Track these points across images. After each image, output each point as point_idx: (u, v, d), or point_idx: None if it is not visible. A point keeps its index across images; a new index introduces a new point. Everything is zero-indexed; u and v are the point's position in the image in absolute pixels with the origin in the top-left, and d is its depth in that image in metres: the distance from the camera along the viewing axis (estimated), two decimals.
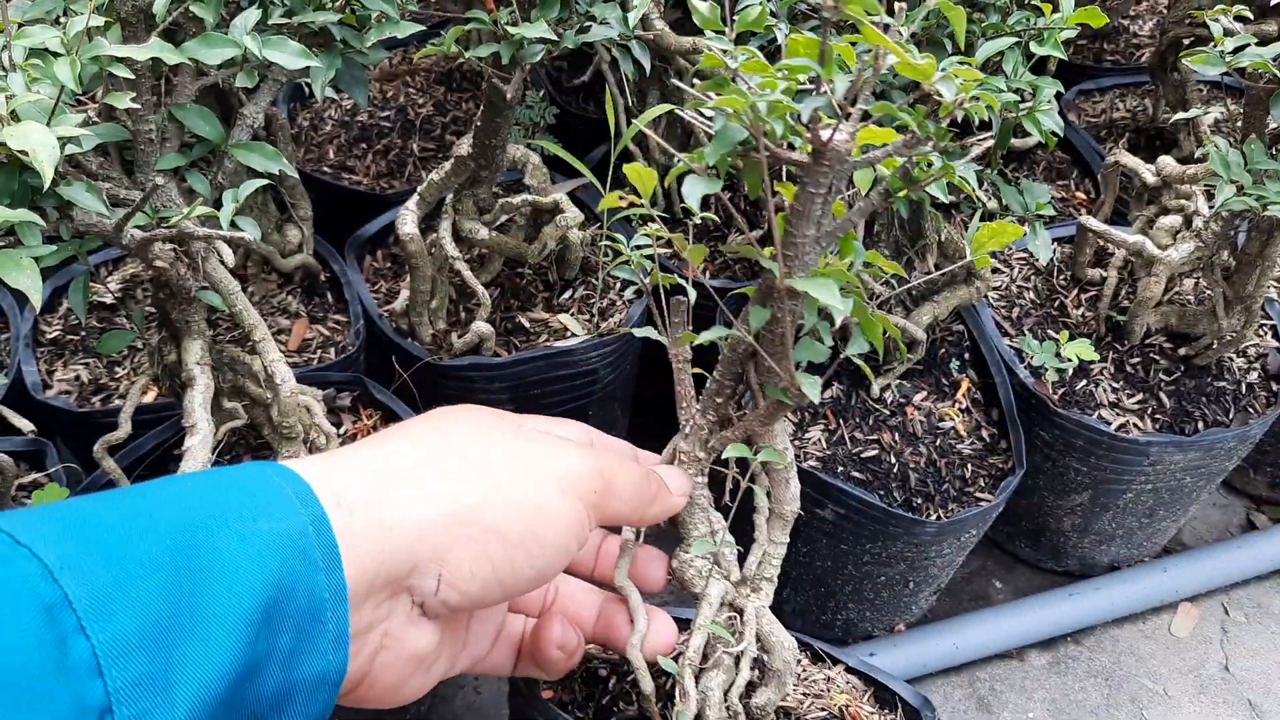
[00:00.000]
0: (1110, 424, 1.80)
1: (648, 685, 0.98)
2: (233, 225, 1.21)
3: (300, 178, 2.17)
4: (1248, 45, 1.39)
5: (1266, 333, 1.96)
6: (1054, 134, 1.50)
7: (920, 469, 1.79)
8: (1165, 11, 2.37)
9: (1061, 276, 2.00)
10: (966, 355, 1.93)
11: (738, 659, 1.00)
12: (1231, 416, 1.83)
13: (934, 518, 1.72)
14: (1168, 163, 1.80)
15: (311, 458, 0.65)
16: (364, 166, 2.24)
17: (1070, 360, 1.75)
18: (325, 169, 2.24)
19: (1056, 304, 1.96)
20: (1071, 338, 1.91)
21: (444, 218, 1.85)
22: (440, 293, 1.86)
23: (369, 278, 2.04)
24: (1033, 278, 2.01)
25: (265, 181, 1.26)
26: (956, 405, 1.88)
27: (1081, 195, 2.30)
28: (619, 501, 0.78)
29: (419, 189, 1.80)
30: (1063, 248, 2.05)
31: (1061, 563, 2.10)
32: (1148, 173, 1.81)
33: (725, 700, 0.99)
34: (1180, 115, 1.74)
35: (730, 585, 1.02)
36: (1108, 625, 2.05)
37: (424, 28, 1.34)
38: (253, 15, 1.18)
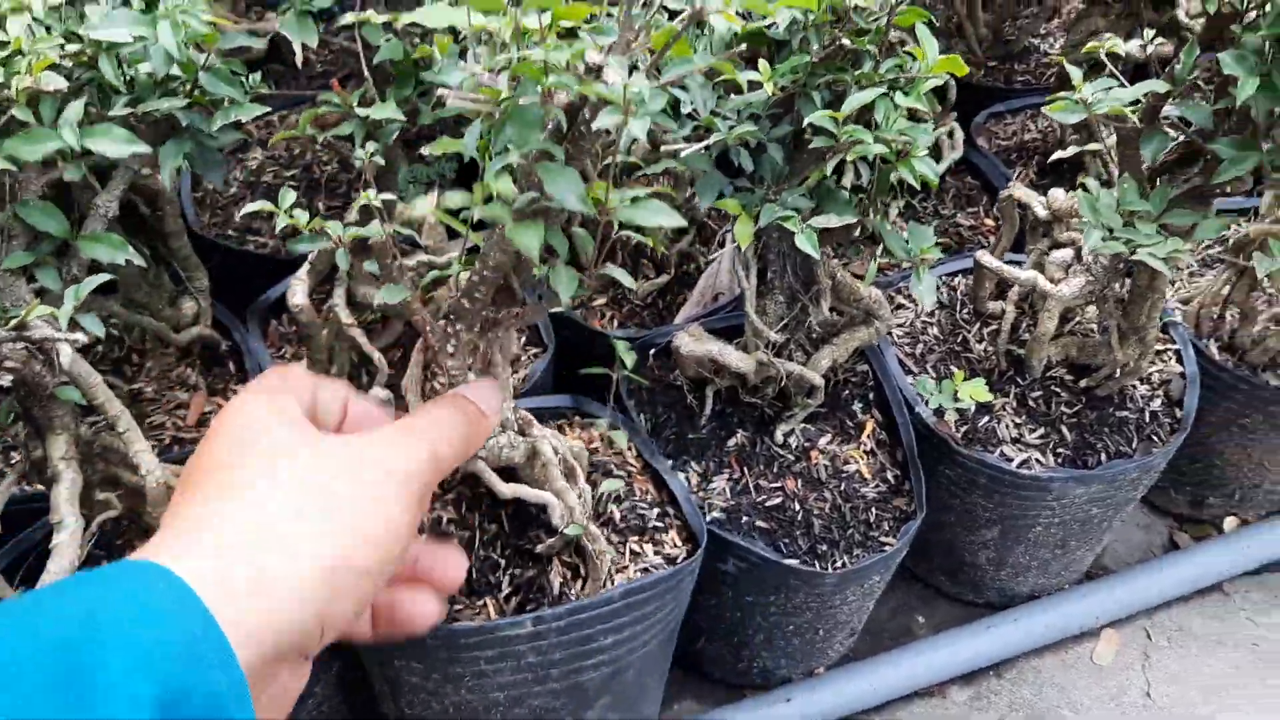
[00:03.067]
0: (1012, 461, 1.80)
1: None
2: (74, 324, 1.19)
3: (205, 243, 2.16)
4: (1112, 88, 1.39)
5: (1171, 357, 1.96)
6: (929, 179, 1.49)
7: (824, 515, 1.78)
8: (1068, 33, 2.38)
9: (965, 310, 2.00)
10: (871, 395, 1.92)
11: None
12: (1135, 446, 1.82)
13: (837, 566, 1.71)
14: (1058, 196, 1.80)
15: (185, 539, 0.64)
16: (270, 228, 2.22)
17: (966, 401, 1.74)
18: (230, 233, 2.22)
19: (960, 339, 1.95)
20: (974, 373, 1.91)
21: (338, 284, 1.84)
22: (339, 359, 1.84)
23: (274, 344, 2.02)
24: (937, 312, 2.01)
25: (107, 277, 1.25)
26: (861, 447, 1.87)
27: (990, 223, 2.30)
28: (452, 462, 0.79)
29: (309, 256, 1.78)
30: (967, 279, 2.05)
31: (982, 595, 2.09)
32: (1039, 206, 1.81)
33: None
34: (1071, 150, 1.74)
35: None
36: (1029, 656, 2.04)
37: (270, 109, 1.33)
38: (77, 107, 1.17)
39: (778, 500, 1.79)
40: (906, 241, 1.65)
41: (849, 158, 1.46)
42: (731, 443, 1.87)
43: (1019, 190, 1.85)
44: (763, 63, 1.44)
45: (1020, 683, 2.01)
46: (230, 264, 2.13)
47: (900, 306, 2.04)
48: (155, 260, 1.89)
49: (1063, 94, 1.40)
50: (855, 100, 1.43)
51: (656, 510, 1.71)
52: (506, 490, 1.46)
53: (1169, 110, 1.44)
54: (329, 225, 1.20)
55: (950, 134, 2.29)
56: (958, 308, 2.01)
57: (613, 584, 1.53)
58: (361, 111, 1.34)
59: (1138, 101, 1.42)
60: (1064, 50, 2.17)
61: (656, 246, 2.00)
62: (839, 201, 1.62)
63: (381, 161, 1.52)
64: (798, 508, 1.79)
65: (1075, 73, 1.41)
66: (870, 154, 1.44)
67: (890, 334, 1.98)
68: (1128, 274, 1.77)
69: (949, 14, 2.62)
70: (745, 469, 1.84)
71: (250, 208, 1.23)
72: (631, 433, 1.84)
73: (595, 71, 0.97)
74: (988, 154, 2.37)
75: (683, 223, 1.03)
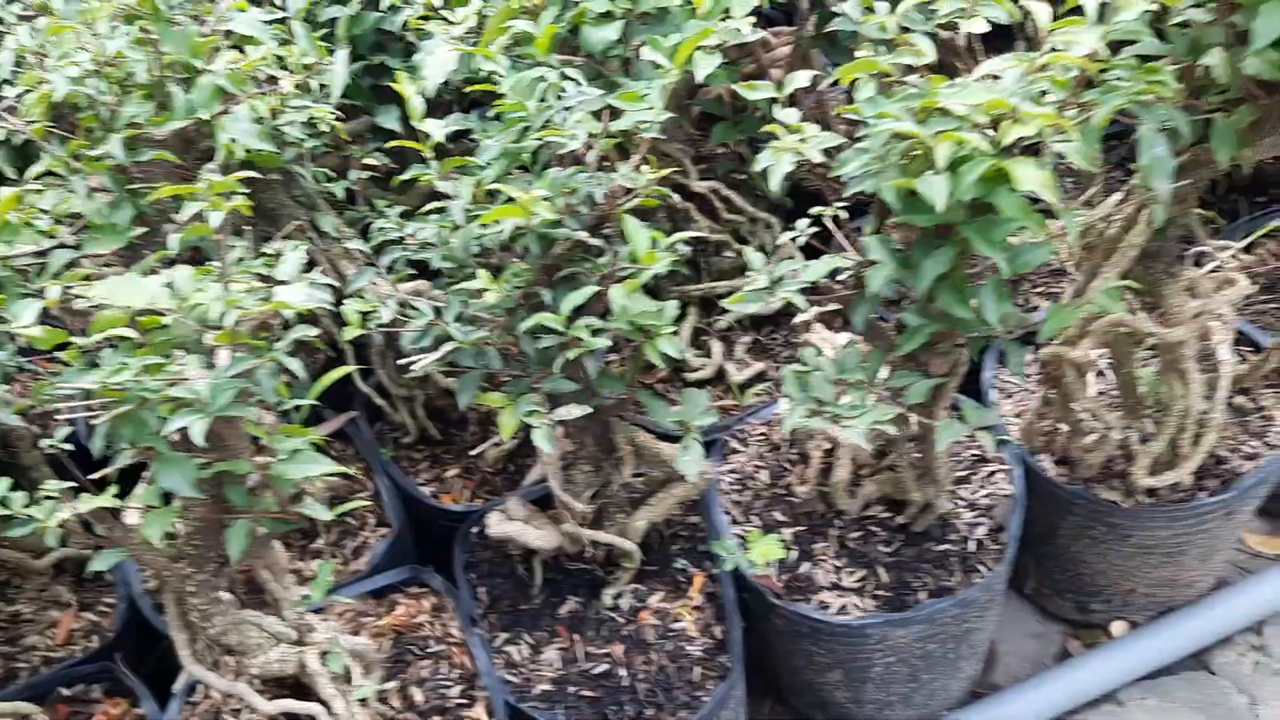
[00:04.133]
0: (828, 608, 1.79)
1: None
2: None
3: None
4: (793, 271, 1.42)
5: (1002, 477, 1.94)
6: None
7: (650, 677, 1.80)
8: None
9: (794, 449, 2.01)
10: (700, 547, 1.94)
11: None
12: (955, 580, 1.81)
13: None
14: (839, 339, 1.82)
15: None
16: None
17: (760, 562, 1.75)
18: None
19: (784, 482, 1.97)
20: (797, 518, 1.92)
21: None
22: None
23: None
24: (767, 454, 2.03)
25: None
26: (690, 603, 1.89)
27: None
28: None
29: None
30: None
31: None
32: (828, 349, 1.82)
33: None
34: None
35: None
36: None
37: None
38: None
39: (605, 667, 1.82)
40: (677, 412, 1.69)
41: (570, 355, 1.51)
42: (564, 610, 1.91)
43: (813, 335, 1.87)
44: (483, 273, 1.51)
45: None
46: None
47: (732, 451, 2.06)
48: (15, 486, 2.02)
49: (746, 277, 1.43)
50: (570, 301, 1.49)
51: (460, 688, 1.76)
52: (269, 709, 1.53)
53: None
54: None
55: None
56: (787, 447, 2.02)
57: None
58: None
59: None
60: None
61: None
62: (610, 377, 1.67)
63: None
64: (624, 673, 1.81)
65: (756, 258, 1.44)
66: (595, 348, 1.49)
67: (720, 481, 2.00)
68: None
69: None
70: (576, 636, 1.87)
71: None
72: (454, 606, 1.90)
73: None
74: None
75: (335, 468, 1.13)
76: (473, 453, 2.19)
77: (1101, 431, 1.87)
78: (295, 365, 1.21)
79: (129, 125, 1.47)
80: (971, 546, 1.85)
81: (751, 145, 2.40)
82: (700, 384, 2.23)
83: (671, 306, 1.53)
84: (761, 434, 2.08)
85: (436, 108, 2.47)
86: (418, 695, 1.75)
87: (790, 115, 1.43)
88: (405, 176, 1.59)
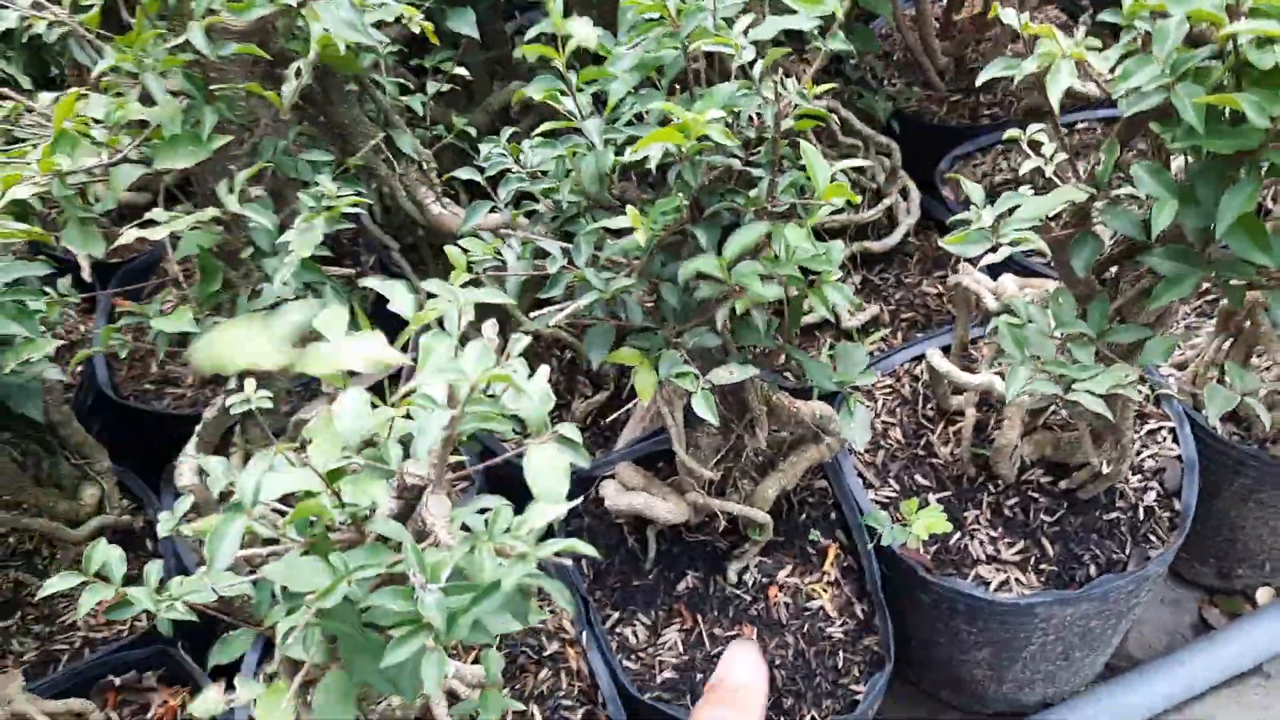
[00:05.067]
0: (989, 584, 1.60)
1: None
2: None
3: (116, 406, 2.04)
4: (1017, 207, 1.19)
5: (1166, 436, 1.74)
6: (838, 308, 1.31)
7: (788, 663, 1.60)
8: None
9: (928, 405, 1.79)
10: (832, 515, 1.73)
11: None
12: (1129, 552, 1.61)
13: None
14: (1008, 284, 1.60)
15: None
16: (187, 379, 2.10)
17: (924, 537, 1.54)
18: (147, 386, 2.09)
19: (923, 442, 1.76)
20: (941, 482, 1.71)
21: (233, 452, 1.71)
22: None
23: None
24: (898, 410, 1.81)
25: None
26: (824, 578, 1.68)
27: None
28: None
29: (197, 429, 1.65)
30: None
31: (988, 706, 1.89)
32: (989, 297, 1.60)
33: None
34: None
35: None
36: None
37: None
38: None
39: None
40: (833, 369, 1.46)
41: (738, 306, 1.28)
42: (682, 586, 1.69)
43: (966, 278, 1.64)
44: (630, 209, 1.26)
45: None
46: (140, 425, 2.01)
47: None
48: (47, 451, 1.78)
49: (963, 216, 1.20)
50: (737, 243, 1.25)
51: (582, 711, 1.55)
52: None
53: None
54: None
55: (904, 194, 2.08)
56: (921, 403, 1.81)
57: None
58: (157, 324, 1.19)
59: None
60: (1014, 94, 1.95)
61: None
62: (752, 329, 1.43)
63: None
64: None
65: (975, 191, 1.21)
66: (764, 299, 1.26)
67: (848, 443, 1.78)
68: None
69: (904, 48, 2.41)
70: (698, 616, 1.66)
71: None
72: (569, 595, 1.68)
73: None
74: (955, 205, 2.15)
75: None
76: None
77: None
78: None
79: (208, 12, 1.20)
80: (1141, 515, 1.65)
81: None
82: (809, 330, 2.01)
83: (838, 247, 1.30)
84: (889, 386, 1.86)
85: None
86: (537, 714, 1.54)
87: (1011, 17, 1.19)
88: (536, 91, 1.32)
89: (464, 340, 0.92)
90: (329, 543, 0.90)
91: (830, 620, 1.64)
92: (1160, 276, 1.15)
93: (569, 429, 0.93)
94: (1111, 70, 1.04)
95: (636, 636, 1.65)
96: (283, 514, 0.92)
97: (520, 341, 0.96)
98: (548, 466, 0.88)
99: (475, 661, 1.46)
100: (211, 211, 1.30)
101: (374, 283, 0.97)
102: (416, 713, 1.38)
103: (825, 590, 1.67)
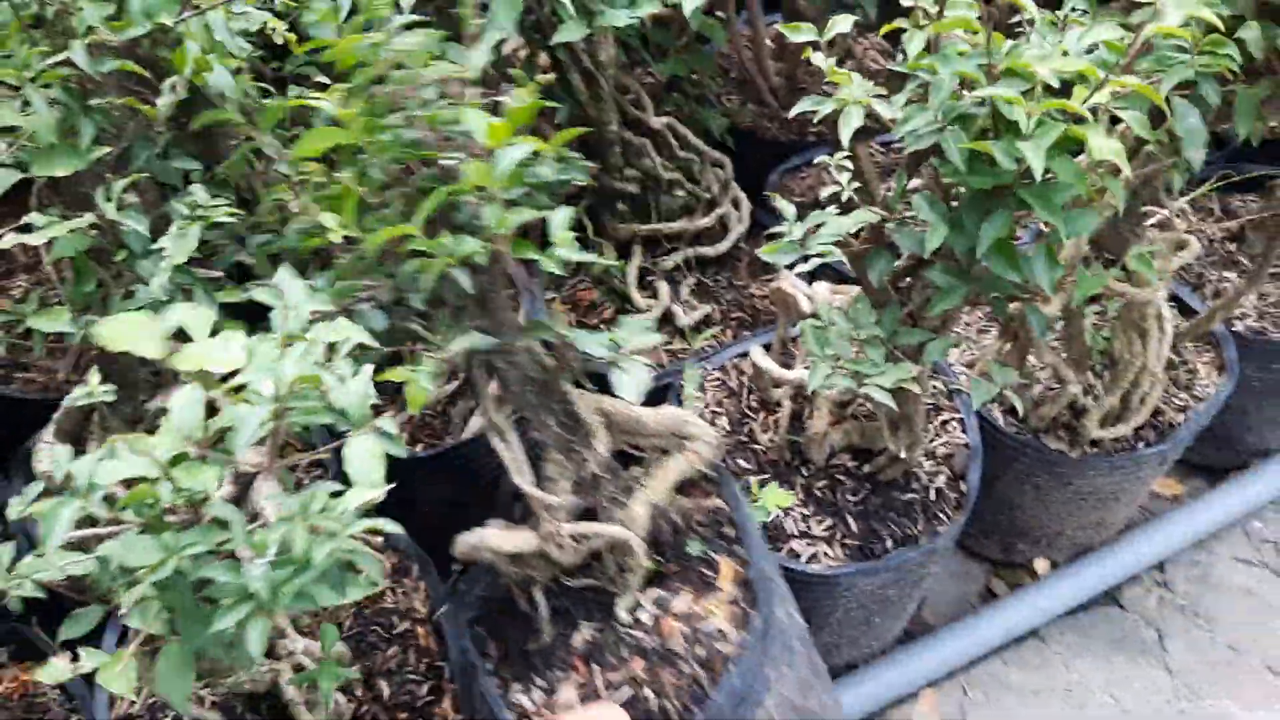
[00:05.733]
0: (800, 557, 1.79)
1: None
2: None
3: None
4: (823, 224, 1.38)
5: (956, 427, 1.97)
6: None
7: (684, 692, 1.64)
8: None
9: (752, 397, 1.99)
10: (726, 530, 1.72)
11: None
12: (920, 528, 1.83)
13: None
14: (821, 290, 1.80)
15: None
16: (42, 364, 2.13)
17: (769, 509, 1.72)
18: None
19: (746, 430, 1.95)
20: (761, 465, 1.90)
21: (92, 438, 1.77)
22: None
23: None
24: (725, 401, 2.00)
25: None
26: (720, 598, 1.72)
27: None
28: None
29: (55, 416, 1.71)
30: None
31: None
32: (804, 300, 1.80)
33: None
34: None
35: None
36: None
37: None
38: None
39: (629, 693, 1.52)
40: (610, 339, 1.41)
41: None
42: (578, 639, 1.60)
43: (785, 283, 1.83)
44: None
45: None
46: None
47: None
48: None
49: (776, 230, 1.39)
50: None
51: (428, 684, 1.66)
52: None
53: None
54: None
55: (736, 204, 2.28)
56: (745, 395, 2.00)
57: None
58: (33, 322, 1.27)
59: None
60: None
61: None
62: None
63: None
64: (650, 694, 1.52)
65: (787, 208, 1.40)
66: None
67: None
68: None
69: (741, 66, 2.60)
70: (593, 666, 1.57)
71: None
72: (425, 572, 1.79)
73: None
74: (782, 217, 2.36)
75: None
76: None
77: (1056, 385, 1.92)
78: None
79: (88, 30, 1.29)
80: (933, 495, 1.88)
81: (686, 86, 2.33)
82: None
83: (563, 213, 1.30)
84: (716, 379, 2.05)
85: None
86: (385, 688, 1.64)
87: (820, 60, 1.38)
88: None
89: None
90: (164, 524, 1.01)
91: (726, 638, 1.64)
92: (938, 289, 1.36)
93: (387, 423, 1.06)
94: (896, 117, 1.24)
95: (534, 701, 1.63)
96: None
97: (348, 343, 1.09)
98: (365, 455, 1.01)
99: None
100: (89, 218, 1.37)
101: (260, 294, 1.09)
102: (266, 686, 1.48)
103: (721, 608, 1.58)
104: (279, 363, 0.96)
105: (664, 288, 2.20)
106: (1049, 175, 1.19)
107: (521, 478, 1.47)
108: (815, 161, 2.55)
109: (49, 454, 1.66)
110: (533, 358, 1.41)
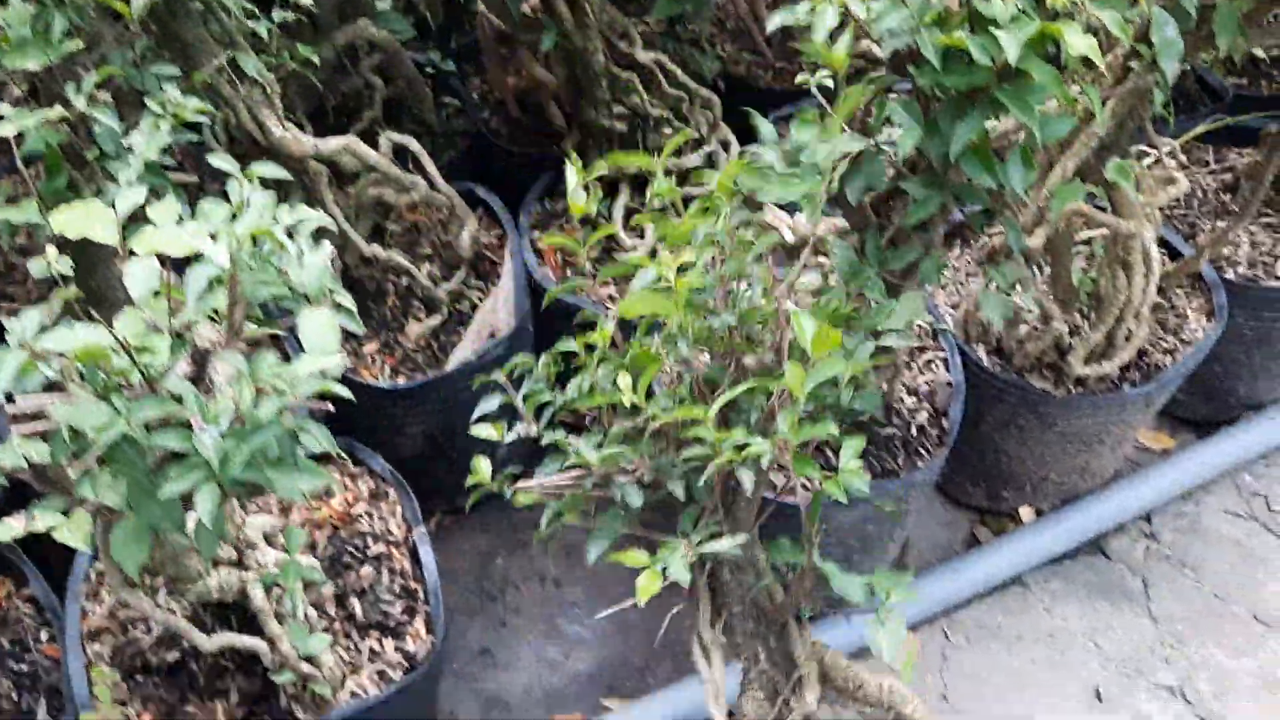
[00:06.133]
0: (776, 488, 1.79)
1: None
2: None
3: None
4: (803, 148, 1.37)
5: (939, 365, 1.96)
6: None
7: None
8: None
9: None
10: None
11: None
12: (901, 463, 1.82)
13: None
14: (801, 222, 1.78)
15: None
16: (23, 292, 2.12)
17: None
18: None
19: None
20: None
21: None
22: None
23: None
24: None
25: None
26: None
27: None
28: None
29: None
30: None
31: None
32: (786, 231, 1.78)
33: None
34: None
35: None
36: None
37: None
38: None
39: None
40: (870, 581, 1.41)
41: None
42: None
43: (768, 214, 1.82)
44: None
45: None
46: None
47: None
48: None
49: (753, 149, 1.37)
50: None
51: (402, 604, 1.67)
52: (210, 645, 1.39)
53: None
54: None
55: (725, 145, 2.26)
56: None
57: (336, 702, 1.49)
58: (3, 213, 1.27)
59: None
60: None
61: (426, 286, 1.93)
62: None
63: None
64: None
65: (764, 125, 1.38)
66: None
67: None
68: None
69: (737, 16, 2.59)
70: None
71: None
72: (402, 497, 1.80)
73: None
74: None
75: None
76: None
77: (1040, 323, 1.91)
78: None
79: None
80: (914, 431, 1.87)
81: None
82: None
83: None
84: None
85: None
86: (358, 607, 1.65)
87: None
88: None
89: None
90: (117, 392, 1.00)
91: None
92: (915, 201, 1.35)
93: (345, 298, 1.06)
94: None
95: None
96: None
97: (309, 223, 1.09)
98: (319, 325, 1.01)
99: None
100: (59, 110, 1.36)
101: (216, 160, 1.08)
102: (235, 596, 1.47)
103: None
104: (232, 224, 0.95)
105: (650, 227, 2.19)
106: (1025, 75, 1.18)
107: (717, 708, 1.35)
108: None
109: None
110: (760, 580, 1.35)
